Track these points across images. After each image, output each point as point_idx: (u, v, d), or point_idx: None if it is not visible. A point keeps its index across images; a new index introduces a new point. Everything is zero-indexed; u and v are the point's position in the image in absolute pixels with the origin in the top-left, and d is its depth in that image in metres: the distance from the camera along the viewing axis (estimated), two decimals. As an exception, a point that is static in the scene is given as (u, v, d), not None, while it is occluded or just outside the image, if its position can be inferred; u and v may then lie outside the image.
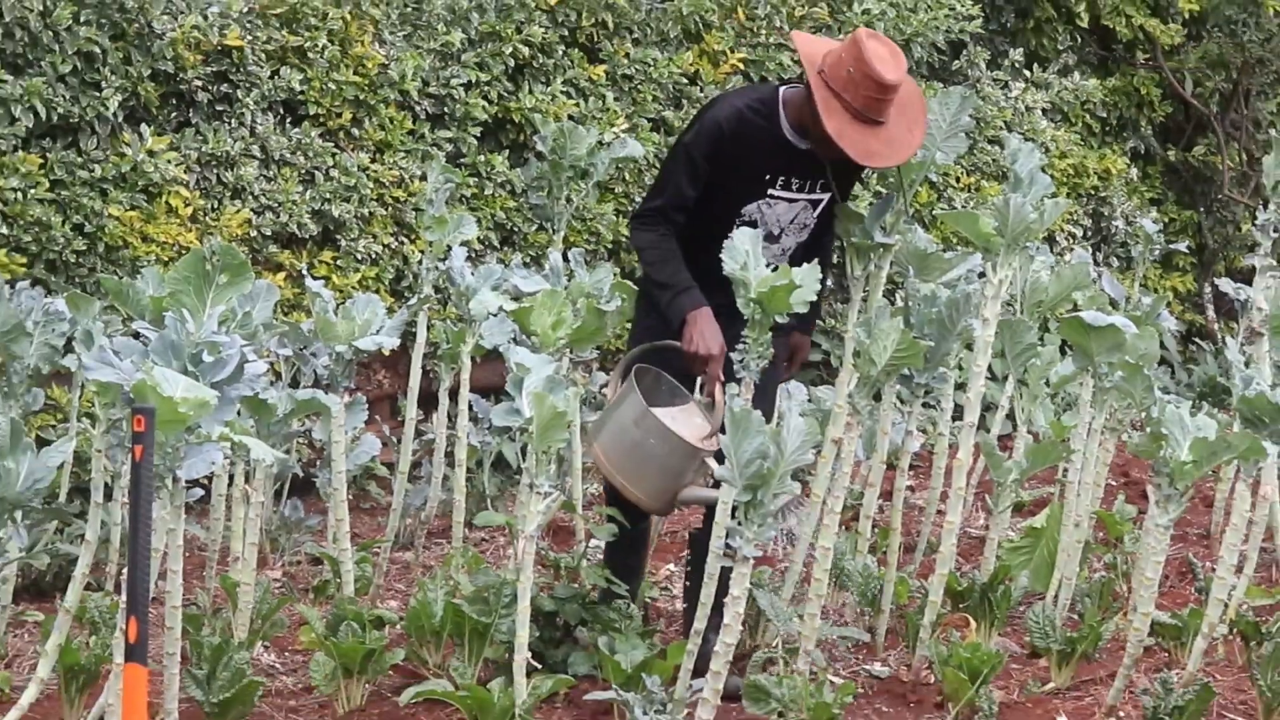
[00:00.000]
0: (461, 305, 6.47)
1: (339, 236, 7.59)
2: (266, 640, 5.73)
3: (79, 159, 6.87)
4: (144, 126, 7.05)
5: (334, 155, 7.56)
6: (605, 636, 5.30)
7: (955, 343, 5.86)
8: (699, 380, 5.47)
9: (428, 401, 7.26)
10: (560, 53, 8.31)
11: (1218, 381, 9.93)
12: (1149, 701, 5.13)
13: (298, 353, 6.50)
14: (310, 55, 7.51)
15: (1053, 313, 6.57)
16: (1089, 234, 10.65)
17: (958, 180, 9.82)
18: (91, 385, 4.75)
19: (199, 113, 7.27)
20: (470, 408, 6.82)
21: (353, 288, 7.42)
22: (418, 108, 7.87)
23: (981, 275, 5.60)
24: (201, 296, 4.63)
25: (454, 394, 6.67)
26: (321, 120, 7.58)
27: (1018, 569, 6.37)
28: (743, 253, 5.08)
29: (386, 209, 7.73)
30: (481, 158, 8.01)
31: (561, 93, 8.23)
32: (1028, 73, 10.49)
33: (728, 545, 4.78)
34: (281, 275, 7.29)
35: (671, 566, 6.86)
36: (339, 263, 7.54)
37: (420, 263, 6.86)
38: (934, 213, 9.43)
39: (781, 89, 5.45)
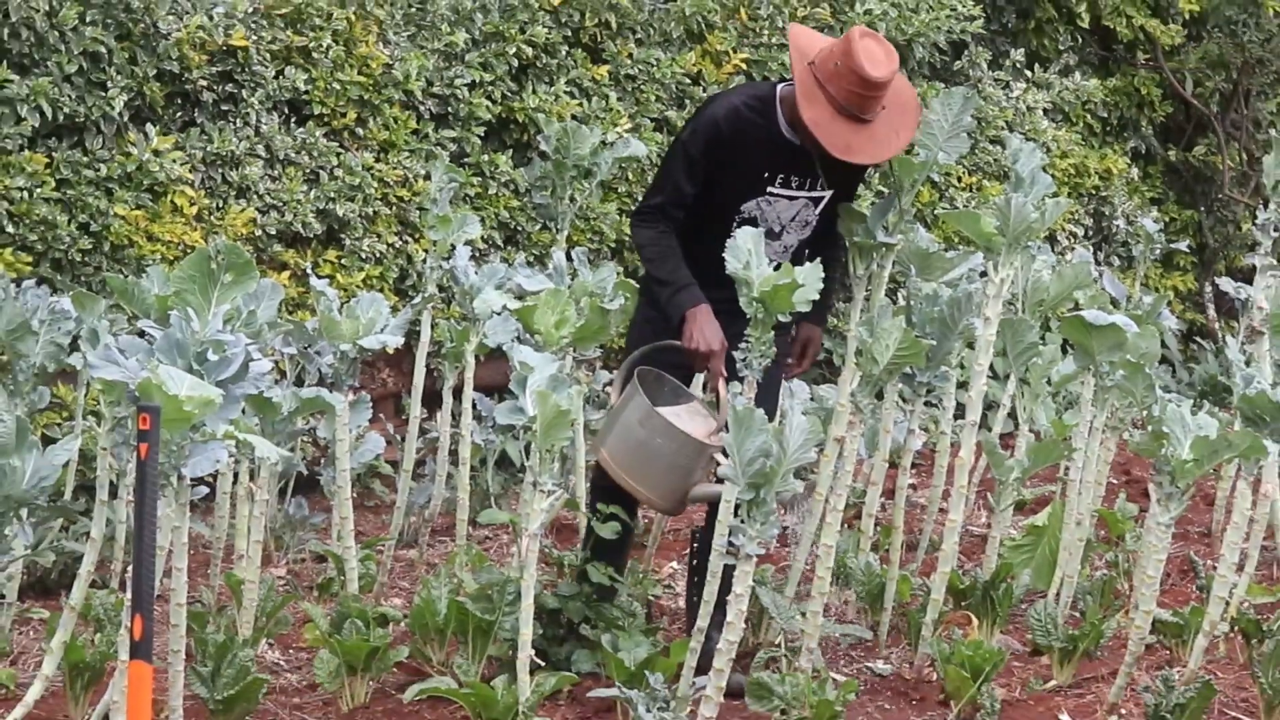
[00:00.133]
0: (465, 304, 6.46)
1: (343, 236, 7.58)
2: (271, 638, 5.73)
3: (84, 158, 6.87)
4: (149, 126, 7.04)
5: (338, 155, 7.55)
6: (609, 634, 5.30)
7: (957, 342, 5.86)
8: (700, 379, 5.46)
9: (432, 400, 7.25)
10: (564, 53, 8.31)
11: (1218, 380, 9.91)
12: (1150, 699, 5.12)
13: (302, 351, 6.48)
14: (315, 55, 7.50)
15: (1054, 312, 6.56)
16: (1090, 233, 10.64)
17: (959, 180, 9.81)
18: (97, 383, 4.74)
19: (204, 112, 7.26)
20: (474, 406, 6.81)
21: (357, 286, 7.42)
22: (422, 107, 7.87)
23: (983, 274, 5.59)
24: (206, 295, 4.62)
25: (458, 392, 6.66)
26: (326, 120, 7.57)
27: (1020, 567, 6.36)
28: (745, 251, 5.08)
29: (391, 208, 7.72)
30: (485, 157, 8.01)
31: (565, 93, 8.22)
32: (1029, 73, 10.49)
33: (730, 543, 4.78)
34: (286, 274, 7.28)
35: (674, 564, 6.86)
36: (343, 262, 7.54)
37: (424, 262, 6.85)
38: (936, 212, 9.43)
39: (779, 86, 5.43)
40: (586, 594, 5.50)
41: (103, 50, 6.89)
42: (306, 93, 7.47)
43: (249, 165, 7.27)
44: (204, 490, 6.20)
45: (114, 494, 5.71)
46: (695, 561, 5.57)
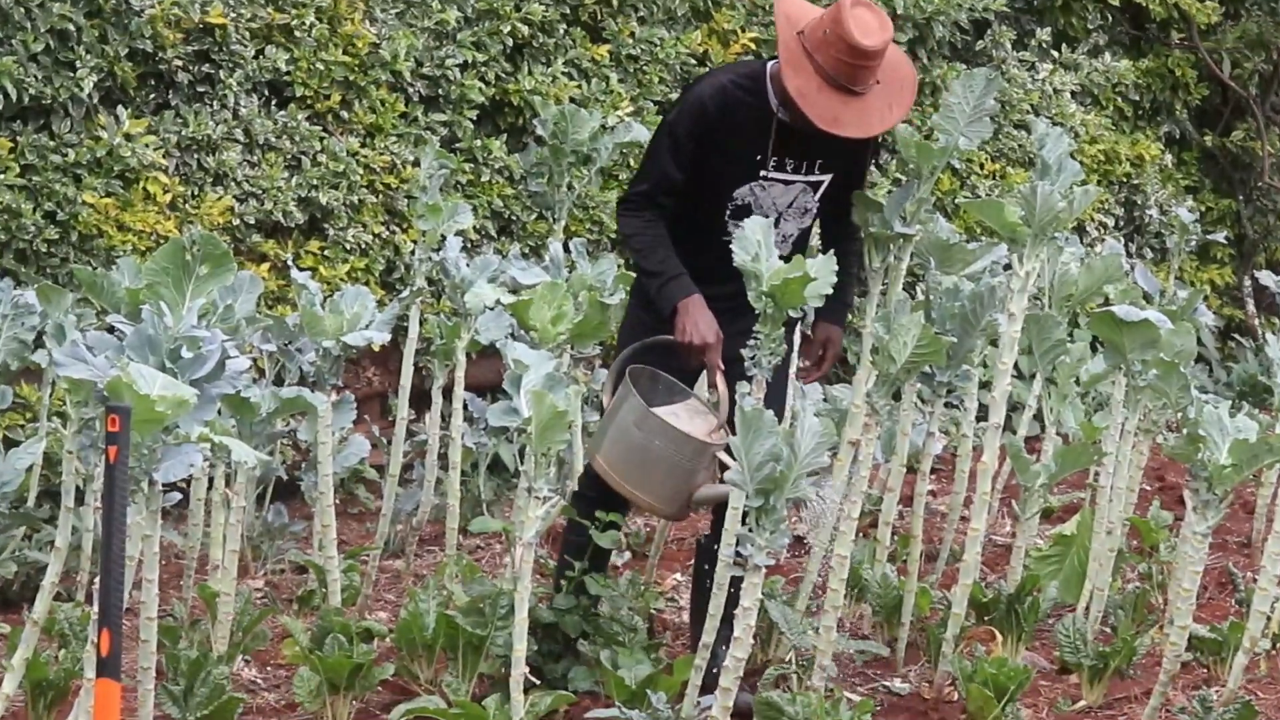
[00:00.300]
0: (456, 298, 6.46)
1: (326, 225, 7.59)
2: (247, 654, 5.73)
3: (51, 142, 6.88)
4: (120, 108, 7.05)
5: (322, 139, 7.56)
6: (608, 650, 5.30)
7: (979, 339, 5.86)
8: (703, 378, 5.45)
9: (420, 400, 7.25)
10: (561, 32, 8.32)
11: (1258, 380, 9.92)
12: (1186, 721, 5.12)
13: (282, 348, 6.48)
14: (297, 34, 7.51)
15: (1083, 307, 6.57)
16: (1121, 224, 10.65)
17: (982, 167, 9.82)
18: (63, 382, 4.75)
19: (179, 94, 7.27)
20: (465, 407, 6.81)
21: (341, 279, 7.43)
22: (410, 89, 7.88)
23: (1007, 267, 5.60)
24: (181, 289, 4.62)
25: (448, 392, 6.66)
26: (309, 102, 7.58)
27: (1046, 579, 6.36)
28: (754, 243, 5.06)
29: (377, 196, 7.73)
30: (478, 142, 8.02)
31: (563, 74, 8.23)
32: (1056, 53, 10.49)
33: (738, 553, 4.77)
34: (266, 266, 7.30)
35: (678, 576, 6.86)
36: (326, 253, 7.55)
37: (412, 253, 6.86)
38: (957, 201, 9.44)
39: (770, 63, 5.40)
40: (585, 607, 5.49)
41: (71, 28, 6.89)
42: (288, 73, 7.48)
43: (226, 150, 7.28)
44: (177, 496, 6.13)
45: (80, 500, 5.72)
46: (700, 572, 5.56)
